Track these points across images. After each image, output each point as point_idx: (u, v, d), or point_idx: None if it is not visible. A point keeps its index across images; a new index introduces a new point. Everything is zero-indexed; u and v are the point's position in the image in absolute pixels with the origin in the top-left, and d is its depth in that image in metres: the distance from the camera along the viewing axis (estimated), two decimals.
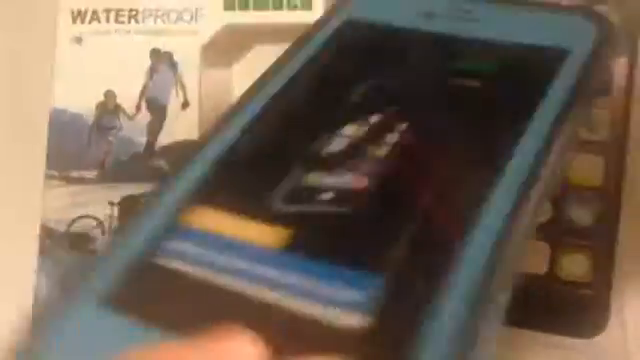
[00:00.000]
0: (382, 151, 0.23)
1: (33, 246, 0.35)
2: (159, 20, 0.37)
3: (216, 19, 0.37)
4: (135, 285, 0.19)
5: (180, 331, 0.17)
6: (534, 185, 0.21)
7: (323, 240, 0.20)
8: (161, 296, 0.19)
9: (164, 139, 0.36)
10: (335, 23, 0.27)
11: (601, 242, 0.33)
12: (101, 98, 0.36)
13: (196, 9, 0.37)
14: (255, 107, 0.24)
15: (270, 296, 0.18)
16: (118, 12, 0.37)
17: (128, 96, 0.36)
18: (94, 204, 0.35)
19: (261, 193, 0.21)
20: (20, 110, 0.39)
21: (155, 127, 0.36)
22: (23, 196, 0.37)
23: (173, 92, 0.36)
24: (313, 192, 0.22)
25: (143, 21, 0.37)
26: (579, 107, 0.23)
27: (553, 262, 0.33)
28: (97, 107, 0.37)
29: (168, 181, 0.21)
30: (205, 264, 0.19)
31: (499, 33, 0.25)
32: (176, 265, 0.19)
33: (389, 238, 0.20)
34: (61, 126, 0.36)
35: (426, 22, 0.26)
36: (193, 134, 0.36)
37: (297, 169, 0.22)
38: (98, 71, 0.37)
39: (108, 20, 0.37)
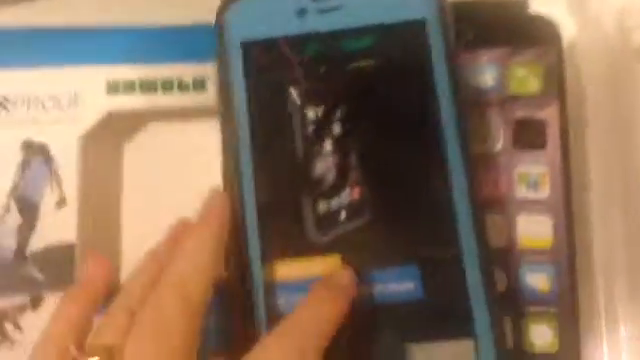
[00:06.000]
0: (353, 157, 0.29)
1: None
2: (32, 108, 0.33)
3: (98, 105, 0.33)
4: None
5: None
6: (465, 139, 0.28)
7: (362, 254, 0.28)
8: None
9: (36, 243, 0.31)
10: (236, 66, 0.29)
11: (562, 306, 0.31)
12: None
13: (75, 94, 0.33)
14: (246, 171, 0.28)
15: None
16: None
17: None
18: None
19: (299, 232, 0.28)
20: None
21: (26, 230, 0.32)
22: None
23: (47, 189, 0.32)
24: (331, 217, 0.29)
25: (14, 110, 0.33)
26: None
27: (517, 336, 0.31)
28: None
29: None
30: None
31: (364, 17, 0.29)
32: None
33: (402, 231, 0.28)
34: None
35: (303, 22, 0.29)
36: (70, 236, 0.31)
37: (306, 201, 0.29)
38: None
39: None
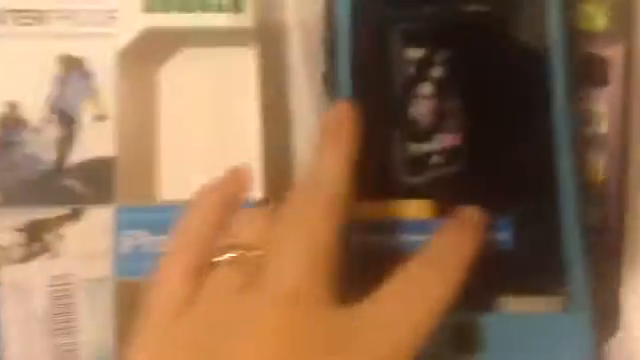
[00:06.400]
0: (453, 103, 0.28)
1: None
2: (68, 22, 0.33)
3: (134, 22, 0.33)
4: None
5: None
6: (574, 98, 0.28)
7: (458, 200, 0.26)
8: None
9: (76, 156, 0.32)
10: None
11: (607, 241, 0.31)
12: (2, 110, 0.32)
13: (110, 10, 0.33)
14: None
15: None
16: (19, 13, 0.33)
17: (34, 108, 0.32)
18: None
19: (391, 172, 0.28)
20: None
21: (65, 142, 0.32)
22: None
23: (86, 103, 0.32)
24: (424, 160, 0.28)
25: (50, 24, 0.33)
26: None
27: None
28: None
29: None
30: (394, 245, 0.27)
31: None
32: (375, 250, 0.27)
33: (496, 182, 0.27)
34: None
35: None
36: (108, 150, 0.32)
37: (400, 142, 0.28)
38: None
39: (7, 22, 0.32)
